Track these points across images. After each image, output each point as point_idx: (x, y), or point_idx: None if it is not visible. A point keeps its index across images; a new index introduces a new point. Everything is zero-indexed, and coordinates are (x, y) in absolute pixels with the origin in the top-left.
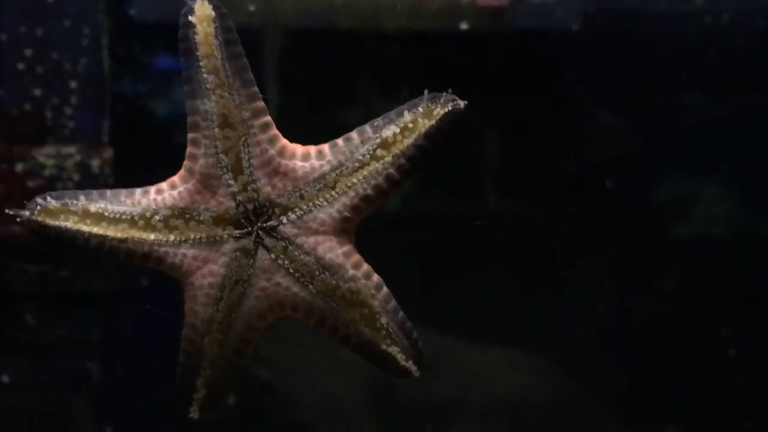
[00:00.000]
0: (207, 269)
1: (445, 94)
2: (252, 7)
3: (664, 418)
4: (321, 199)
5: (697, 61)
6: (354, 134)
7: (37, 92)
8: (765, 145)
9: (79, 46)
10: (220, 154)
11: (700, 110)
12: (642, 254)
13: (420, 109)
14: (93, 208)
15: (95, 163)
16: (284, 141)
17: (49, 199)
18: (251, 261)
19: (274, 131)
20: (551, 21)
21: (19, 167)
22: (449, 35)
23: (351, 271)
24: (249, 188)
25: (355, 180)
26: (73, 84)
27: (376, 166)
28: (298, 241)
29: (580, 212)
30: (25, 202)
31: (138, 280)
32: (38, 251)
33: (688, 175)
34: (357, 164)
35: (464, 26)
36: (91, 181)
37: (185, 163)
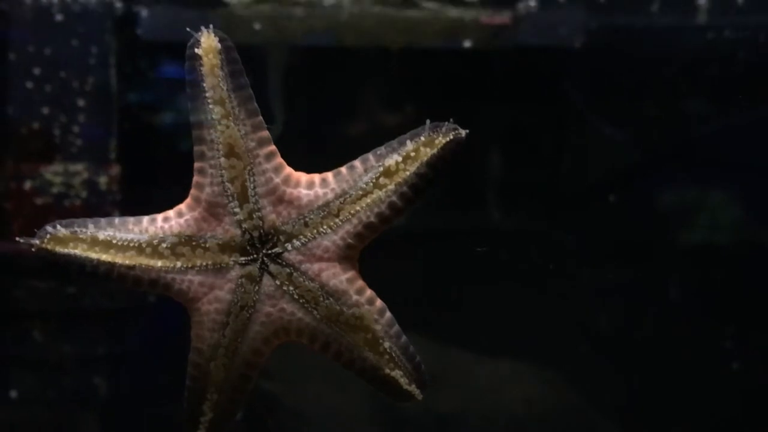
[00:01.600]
0: (213, 295)
1: (446, 123)
2: (258, 26)
3: (668, 429)
4: (325, 227)
5: (700, 75)
6: (357, 163)
7: (46, 110)
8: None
9: (87, 65)
10: (226, 183)
11: (703, 122)
12: (646, 265)
13: (422, 138)
14: (101, 235)
15: (103, 180)
16: (289, 169)
17: (58, 227)
18: (256, 287)
19: (279, 160)
20: (554, 38)
21: (28, 185)
22: (453, 52)
23: (355, 297)
24: (254, 216)
25: (358, 207)
26: (80, 102)
27: (379, 194)
28: (303, 267)
29: (584, 224)
30: (35, 230)
31: (145, 298)
32: (46, 269)
33: (691, 186)
34: (360, 192)
35: (467, 44)
36: (98, 199)
37: (192, 191)
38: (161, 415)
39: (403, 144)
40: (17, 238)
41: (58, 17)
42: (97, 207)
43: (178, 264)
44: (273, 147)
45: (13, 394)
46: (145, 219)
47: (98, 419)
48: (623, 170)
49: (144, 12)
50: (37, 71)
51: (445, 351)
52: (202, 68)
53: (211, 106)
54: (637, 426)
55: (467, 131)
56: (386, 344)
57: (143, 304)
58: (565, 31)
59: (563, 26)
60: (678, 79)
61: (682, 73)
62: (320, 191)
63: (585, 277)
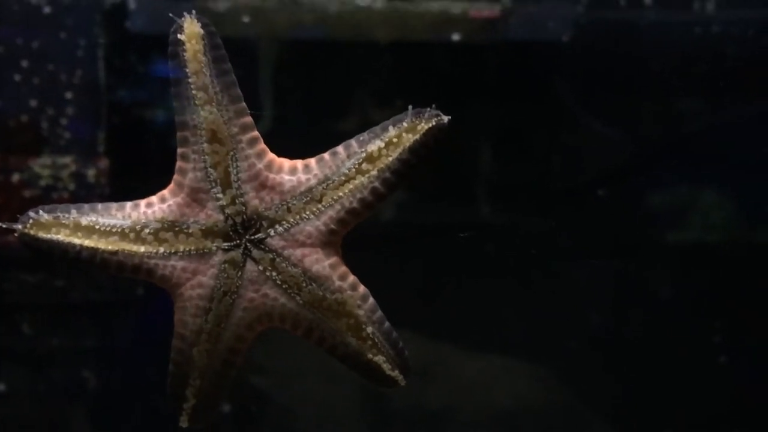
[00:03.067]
0: (196, 281)
1: (428, 109)
2: (246, 19)
3: (659, 425)
4: (308, 212)
5: (689, 71)
6: (340, 149)
7: (34, 103)
8: (759, 152)
9: (75, 58)
10: (209, 169)
11: (694, 119)
12: (638, 262)
13: (404, 124)
14: (84, 221)
15: (91, 173)
16: (271, 155)
17: (41, 212)
18: (239, 273)
19: (262, 146)
20: (543, 32)
21: (16, 177)
22: (442, 46)
23: (337, 282)
24: (237, 202)
25: (341, 193)
26: (69, 95)
27: (361, 180)
28: (286, 253)
29: (575, 221)
30: (18, 215)
31: (134, 290)
32: (35, 261)
33: (684, 183)
34: (343, 178)
35: (456, 37)
36: (86, 191)
37: (175, 177)
38: (150, 408)
39: (385, 130)
40: (0, 224)
41: (46, 10)
42: (86, 200)
43: (161, 249)
44: (256, 133)
45: (2, 387)
46: (128, 205)
47: (87, 412)
48: (615, 167)
49: (133, 4)
50: (24, 63)
51: (436, 346)
52: (185, 54)
53: (194, 92)
54: (627, 421)
55: (449, 117)
56: (369, 330)
57: (132, 297)
58: (553, 25)
59: (552, 20)
60: (666, 73)
61: (671, 67)
62: (303, 177)
63: (576, 274)
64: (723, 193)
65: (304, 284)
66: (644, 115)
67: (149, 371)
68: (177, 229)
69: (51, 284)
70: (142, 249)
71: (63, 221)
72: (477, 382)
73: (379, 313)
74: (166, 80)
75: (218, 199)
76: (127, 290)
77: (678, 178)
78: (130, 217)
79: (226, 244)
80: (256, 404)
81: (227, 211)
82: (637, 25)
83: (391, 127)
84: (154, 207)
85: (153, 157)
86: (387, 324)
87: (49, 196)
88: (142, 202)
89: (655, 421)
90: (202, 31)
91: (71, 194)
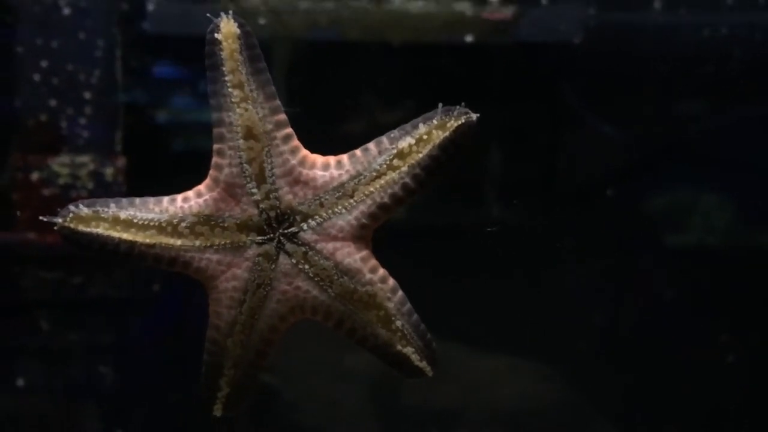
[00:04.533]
0: (231, 273)
1: (458, 107)
2: (262, 21)
3: (662, 424)
4: (340, 207)
5: (696, 73)
6: (372, 145)
7: (53, 103)
8: (761, 154)
9: (94, 58)
10: (245, 164)
11: (699, 121)
12: (641, 263)
13: (434, 122)
14: (123, 215)
15: (109, 171)
16: (305, 151)
17: (81, 206)
18: (273, 266)
19: (296, 142)
20: (553, 34)
21: (35, 176)
22: (454, 48)
23: (368, 275)
24: (271, 196)
25: (372, 189)
26: (87, 95)
27: (392, 175)
28: (318, 246)
29: (581, 221)
30: (58, 209)
31: (150, 287)
32: (52, 258)
33: (686, 185)
34: (374, 174)
35: (469, 39)
36: (104, 190)
37: (211, 172)
38: (165, 404)
39: (415, 127)
40: (40, 217)
41: (66, 11)
42: (104, 198)
43: (197, 243)
44: (290, 129)
45: (20, 382)
46: (165, 199)
47: (103, 408)
48: (622, 168)
49: (150, 6)
50: (44, 64)
51: (443, 346)
52: (221, 53)
53: (230, 90)
54: (632, 421)
55: (478, 115)
56: (398, 322)
57: (148, 295)
58: (564, 27)
59: (563, 22)
60: (674, 75)
61: (679, 69)
62: (335, 172)
63: (582, 275)
64: (726, 195)
65: (335, 277)
66: (652, 117)
67: (164, 367)
68: (213, 223)
69: (68, 281)
70: (179, 242)
71: (102, 215)
72: (484, 382)
73: (408, 305)
74: (181, 80)
75: (253, 194)
76: (143, 287)
77: (682, 181)
78: (167, 211)
79: (260, 237)
80: (266, 402)
81: (261, 205)
82: (645, 28)
83: (421, 124)
84: (191, 201)
85: (169, 155)
86: (416, 316)
87: (67, 195)
88: (179, 197)
89: (658, 419)
90: (238, 31)
91: (89, 193)
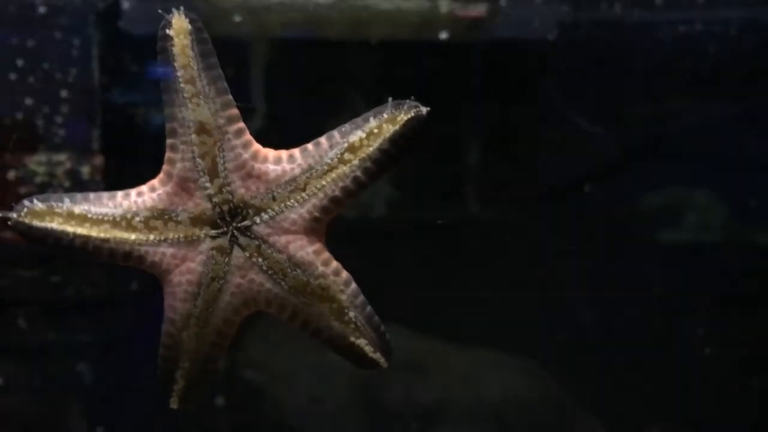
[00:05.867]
0: (185, 267)
1: (408, 101)
2: (238, 18)
3: (647, 419)
4: (292, 201)
5: (673, 69)
6: (323, 139)
7: (29, 101)
8: (749, 151)
9: (70, 57)
10: (197, 159)
11: (682, 118)
12: (626, 259)
13: (385, 116)
14: (77, 210)
15: (86, 170)
16: (257, 145)
17: (35, 201)
18: (227, 259)
19: (248, 136)
20: (529, 31)
21: (11, 174)
22: (429, 45)
23: (321, 268)
24: (224, 190)
25: (324, 182)
26: (63, 93)
27: (343, 169)
28: (271, 240)
29: (563, 218)
30: (13, 204)
31: (128, 286)
32: (30, 257)
33: (679, 182)
34: (326, 167)
35: (444, 36)
36: (81, 188)
37: (164, 167)
38: (145, 403)
39: (366, 121)
40: None
41: (41, 10)
42: None
43: (151, 237)
44: (242, 124)
45: None
46: (119, 194)
47: (83, 407)
48: (601, 165)
49: (126, 4)
50: (20, 62)
51: (426, 340)
52: (173, 48)
53: (182, 85)
54: (615, 416)
55: (428, 109)
56: (351, 314)
57: (127, 293)
58: (539, 24)
59: (538, 19)
60: (651, 71)
61: (655, 65)
62: (287, 166)
63: (565, 270)
64: (715, 191)
65: (288, 270)
66: (631, 114)
67: (144, 366)
68: (166, 217)
69: (46, 280)
70: (133, 236)
71: (56, 210)
72: (467, 377)
73: (361, 297)
74: (159, 79)
75: (206, 188)
76: (121, 286)
77: (669, 177)
78: (121, 205)
79: (213, 231)
80: (250, 400)
81: (215, 199)
82: (621, 24)
83: (372, 118)
84: (144, 196)
85: (146, 154)
86: (369, 308)
87: (44, 193)
88: (133, 191)
89: (644, 416)
90: (190, 27)
91: (66, 191)
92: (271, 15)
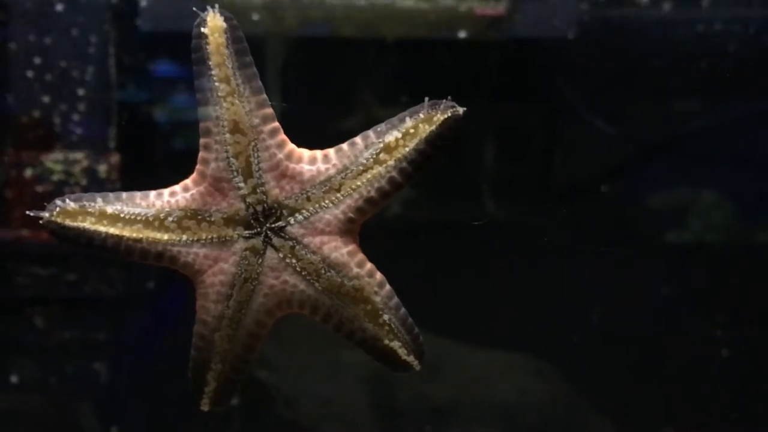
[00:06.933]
0: (218, 268)
1: (444, 101)
2: (255, 17)
3: (659, 420)
4: (327, 201)
5: (692, 69)
6: (358, 139)
7: (46, 99)
8: (759, 152)
9: (87, 55)
10: (231, 158)
11: (696, 118)
12: (639, 260)
13: (421, 115)
14: (109, 209)
15: (102, 168)
16: (292, 146)
17: (67, 201)
18: (260, 260)
19: (282, 136)
20: (547, 29)
21: (29, 173)
22: (448, 43)
23: (355, 270)
24: (258, 191)
25: (359, 183)
26: (80, 91)
27: (379, 169)
28: (305, 240)
29: (577, 218)
30: (45, 204)
31: (144, 285)
32: (47, 255)
33: (685, 182)
34: (361, 168)
35: (462, 35)
36: (98, 186)
37: (197, 167)
38: (159, 401)
39: (402, 121)
40: (27, 212)
41: (58, 7)
42: None
43: (184, 237)
44: (276, 124)
45: (14, 379)
46: (152, 194)
47: (97, 404)
48: (617, 164)
49: (143, 2)
50: (37, 61)
51: (440, 342)
52: (207, 47)
53: (216, 84)
54: (627, 416)
55: (465, 109)
56: (386, 316)
57: (143, 292)
58: (558, 22)
59: (557, 18)
60: (670, 71)
61: (675, 65)
62: (322, 167)
63: (579, 271)
64: (723, 192)
65: (322, 271)
66: (647, 114)
67: (158, 365)
68: (199, 217)
69: (63, 278)
70: (166, 237)
71: (89, 209)
72: (480, 377)
73: (396, 299)
74: (174, 77)
75: (240, 189)
76: (137, 285)
77: (678, 177)
78: (154, 205)
79: (247, 232)
80: (262, 398)
81: (248, 199)
82: (640, 24)
83: (408, 118)
84: (178, 196)
85: (162, 151)
86: (403, 310)
87: (61, 191)
88: (166, 191)
89: (655, 416)
90: (225, 25)
91: (83, 189)
92: (288, 13)
